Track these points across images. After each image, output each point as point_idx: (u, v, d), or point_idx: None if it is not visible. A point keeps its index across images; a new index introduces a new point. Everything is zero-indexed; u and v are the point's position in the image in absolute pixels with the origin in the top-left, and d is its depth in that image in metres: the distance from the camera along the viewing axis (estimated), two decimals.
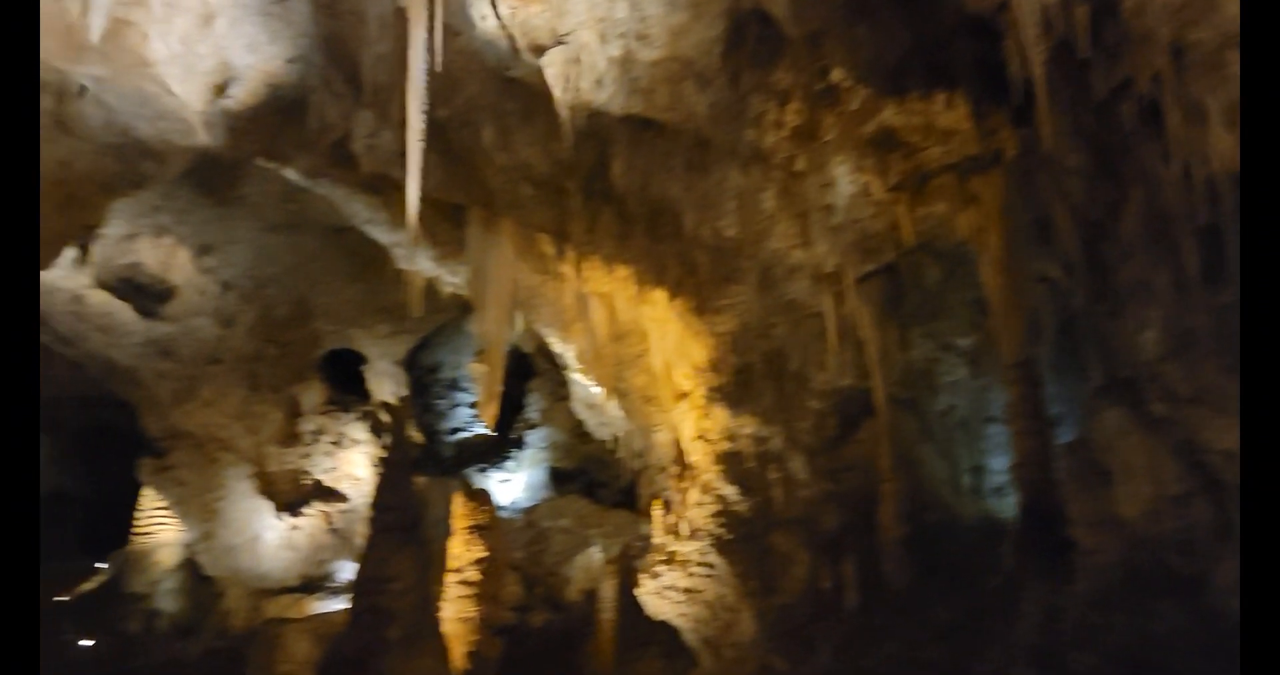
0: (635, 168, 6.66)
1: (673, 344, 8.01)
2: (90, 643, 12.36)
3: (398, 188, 7.20)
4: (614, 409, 10.03)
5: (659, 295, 7.60)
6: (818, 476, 7.44)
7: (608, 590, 9.40)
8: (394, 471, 7.78)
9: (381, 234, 9.07)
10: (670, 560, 7.98)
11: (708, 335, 7.56)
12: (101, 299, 11.53)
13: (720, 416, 7.73)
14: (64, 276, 11.07)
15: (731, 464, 7.72)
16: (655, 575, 8.08)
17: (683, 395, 8.20)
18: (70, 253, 10.48)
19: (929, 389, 7.91)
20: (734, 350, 7.56)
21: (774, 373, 7.56)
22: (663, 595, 8.03)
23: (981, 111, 5.55)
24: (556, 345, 9.84)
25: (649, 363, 8.97)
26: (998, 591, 6.15)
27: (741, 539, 7.67)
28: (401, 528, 7.41)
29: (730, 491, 7.71)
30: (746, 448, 7.72)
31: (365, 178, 7.55)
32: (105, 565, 14.91)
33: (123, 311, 11.72)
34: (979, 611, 6.14)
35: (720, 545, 7.67)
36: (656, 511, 8.47)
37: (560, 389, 13.81)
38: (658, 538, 8.31)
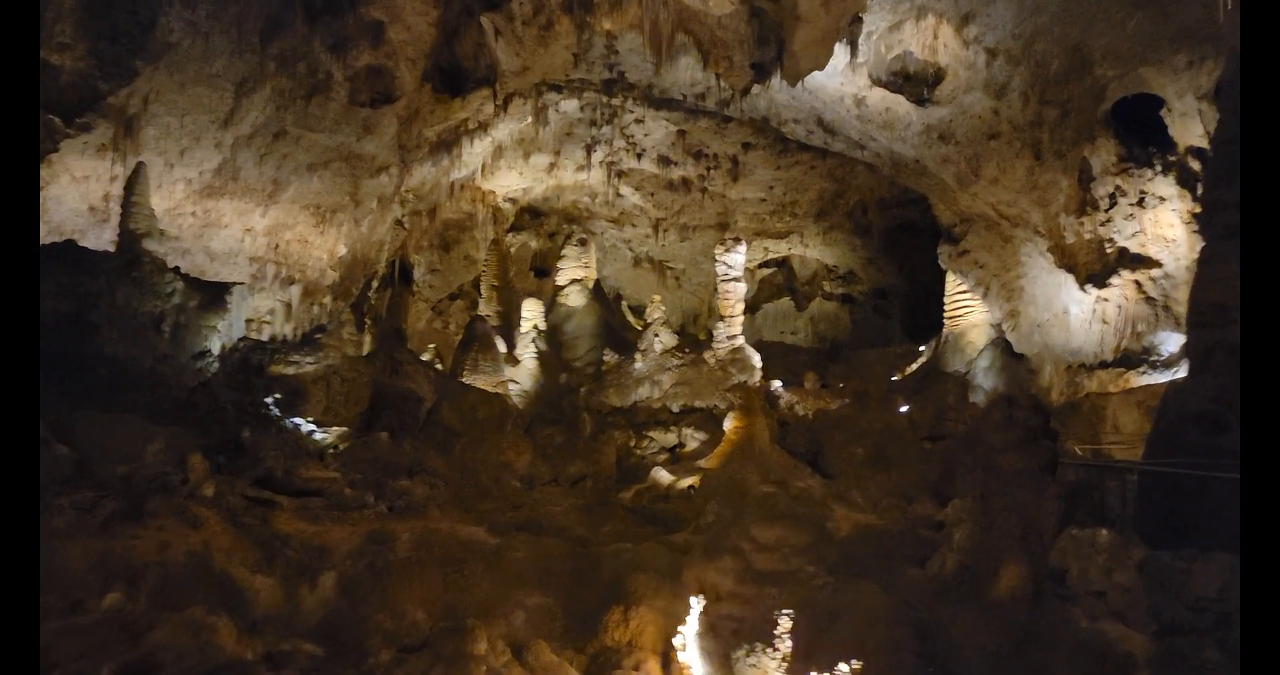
0: None
1: None
2: (904, 409, 13.99)
3: None
4: None
5: None
6: None
7: None
8: (1226, 151, 6.17)
9: None
10: None
11: None
12: (878, 96, 12.18)
13: None
14: (843, 83, 11.98)
15: None
16: None
17: None
18: (842, 57, 11.17)
19: None
20: None
21: None
22: None
23: None
24: None
25: None
26: None
27: None
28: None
29: None
30: None
31: None
32: (924, 348, 16.52)
33: (898, 104, 12.20)
34: None
35: None
36: None
37: None
38: None
